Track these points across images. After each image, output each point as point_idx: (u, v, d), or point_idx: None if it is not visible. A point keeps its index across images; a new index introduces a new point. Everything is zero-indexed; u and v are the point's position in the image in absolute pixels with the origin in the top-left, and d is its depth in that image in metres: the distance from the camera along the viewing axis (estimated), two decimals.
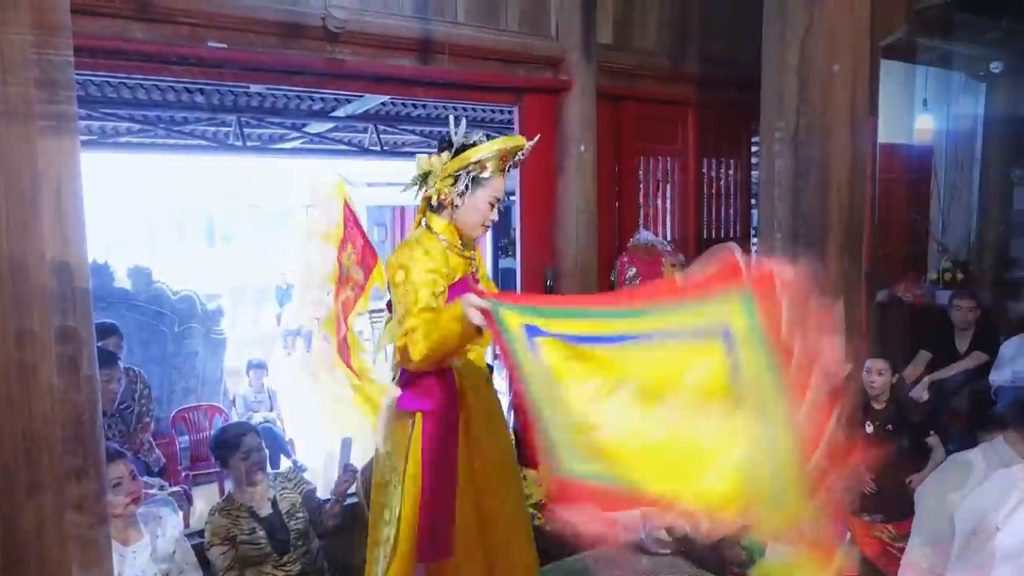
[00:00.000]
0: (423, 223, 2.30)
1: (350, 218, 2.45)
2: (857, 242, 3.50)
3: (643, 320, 1.76)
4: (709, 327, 1.66)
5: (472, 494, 2.22)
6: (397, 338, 2.05)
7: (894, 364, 4.03)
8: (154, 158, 7.76)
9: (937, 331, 4.94)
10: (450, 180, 2.21)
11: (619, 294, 1.87)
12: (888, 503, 3.56)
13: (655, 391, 1.68)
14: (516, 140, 2.26)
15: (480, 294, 1.94)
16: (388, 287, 2.18)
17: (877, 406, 3.92)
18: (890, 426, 3.86)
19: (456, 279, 2.20)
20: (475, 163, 2.20)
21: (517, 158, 2.28)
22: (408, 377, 2.22)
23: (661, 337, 1.72)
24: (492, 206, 2.25)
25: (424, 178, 2.28)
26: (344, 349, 2.51)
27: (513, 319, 1.81)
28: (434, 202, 2.26)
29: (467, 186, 2.21)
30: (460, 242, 2.28)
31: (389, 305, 2.26)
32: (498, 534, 2.26)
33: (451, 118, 2.20)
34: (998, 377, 4.46)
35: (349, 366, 2.54)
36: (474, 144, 2.22)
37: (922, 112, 6.70)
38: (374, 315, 10.68)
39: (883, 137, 5.65)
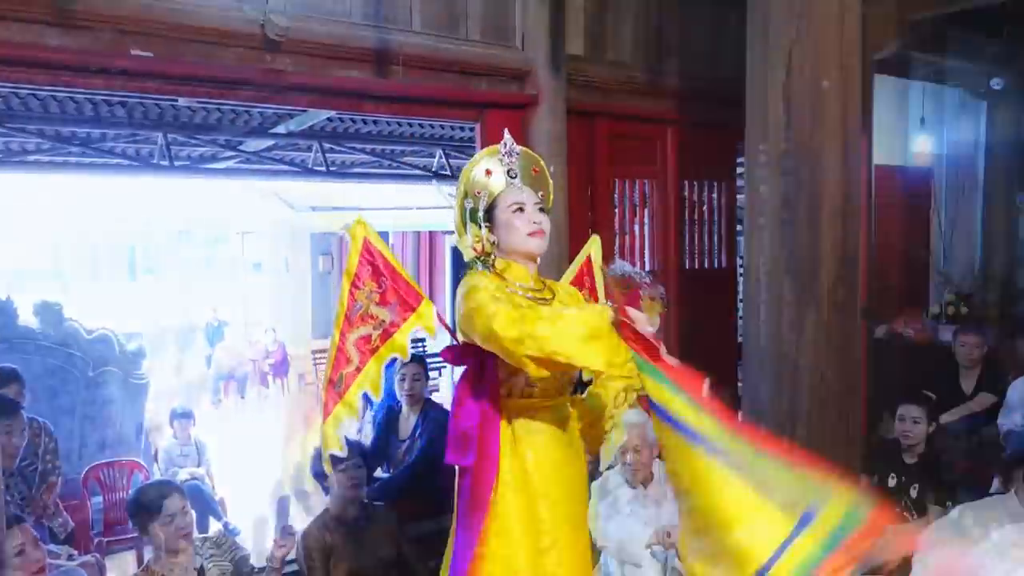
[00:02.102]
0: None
1: (368, 257, 2.43)
2: (852, 274, 3.55)
3: (726, 438, 1.92)
4: (794, 501, 1.82)
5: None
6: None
7: (930, 411, 3.91)
8: (67, 179, 7.66)
9: (941, 370, 5.04)
10: (473, 232, 2.24)
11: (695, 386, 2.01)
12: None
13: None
14: (488, 149, 2.29)
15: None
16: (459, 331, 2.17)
17: (909, 459, 3.83)
18: (916, 486, 3.79)
19: None
20: (470, 198, 2.23)
21: (509, 159, 2.27)
22: (450, 434, 2.23)
23: (739, 468, 1.88)
24: (521, 210, 2.22)
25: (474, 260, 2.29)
26: (330, 391, 2.44)
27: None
28: (484, 258, 2.24)
29: (482, 222, 2.23)
30: (530, 280, 2.26)
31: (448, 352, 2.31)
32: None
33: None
34: (1007, 421, 4.55)
35: (329, 407, 2.46)
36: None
37: (919, 131, 6.88)
38: (317, 355, 10.65)
39: (878, 158, 5.81)
